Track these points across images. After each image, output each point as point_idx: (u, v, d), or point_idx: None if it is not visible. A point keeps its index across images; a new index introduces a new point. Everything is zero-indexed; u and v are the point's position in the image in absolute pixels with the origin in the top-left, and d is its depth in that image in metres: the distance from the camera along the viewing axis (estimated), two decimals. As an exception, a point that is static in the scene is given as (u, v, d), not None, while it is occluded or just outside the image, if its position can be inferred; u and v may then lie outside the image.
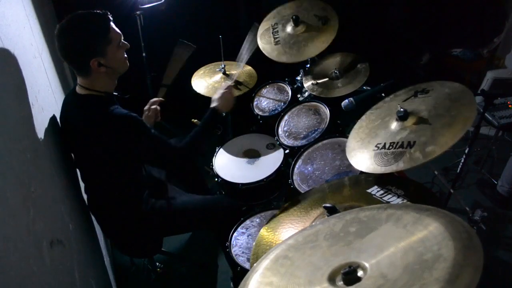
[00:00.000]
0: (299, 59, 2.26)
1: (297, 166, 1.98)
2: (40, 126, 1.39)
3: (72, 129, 1.60)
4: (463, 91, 1.37)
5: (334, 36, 2.22)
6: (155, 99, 2.09)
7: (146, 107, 2.05)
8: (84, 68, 1.52)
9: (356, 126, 1.61)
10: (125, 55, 1.62)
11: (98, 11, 1.50)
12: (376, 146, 1.42)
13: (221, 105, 1.85)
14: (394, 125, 1.43)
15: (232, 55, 2.50)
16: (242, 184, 2.01)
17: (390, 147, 1.36)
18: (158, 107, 2.07)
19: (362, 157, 1.44)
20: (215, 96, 1.88)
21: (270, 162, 2.10)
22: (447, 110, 1.33)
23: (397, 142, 1.35)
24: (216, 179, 2.14)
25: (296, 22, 2.32)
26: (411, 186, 1.39)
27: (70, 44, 1.48)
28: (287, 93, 2.47)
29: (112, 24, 1.53)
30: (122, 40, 1.58)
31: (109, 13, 1.53)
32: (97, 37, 1.49)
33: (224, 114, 1.84)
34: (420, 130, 1.33)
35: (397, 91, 1.61)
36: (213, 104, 1.85)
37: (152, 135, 1.61)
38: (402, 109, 1.39)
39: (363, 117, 1.62)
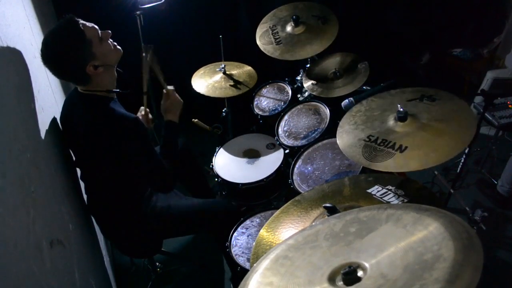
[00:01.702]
0: (303, 56, 2.26)
1: (297, 166, 1.98)
2: (40, 126, 1.39)
3: (73, 127, 1.60)
4: (469, 113, 1.36)
5: (336, 32, 2.23)
6: (142, 107, 2.09)
7: (138, 114, 2.05)
8: (83, 78, 1.52)
9: (354, 108, 1.61)
10: (112, 43, 1.58)
11: (63, 20, 1.46)
12: (368, 137, 1.42)
13: (170, 113, 1.79)
14: (391, 122, 1.43)
15: (232, 55, 2.51)
16: (242, 184, 2.02)
17: (381, 144, 1.37)
18: (149, 114, 2.07)
19: (349, 141, 1.46)
20: (161, 110, 1.83)
21: (270, 162, 2.10)
22: (447, 126, 1.33)
23: (389, 141, 1.36)
24: (216, 179, 2.14)
25: (296, 22, 2.32)
26: (411, 186, 1.39)
27: (59, 65, 1.48)
28: (287, 93, 2.47)
29: (82, 23, 1.47)
30: (100, 32, 1.52)
31: (73, 16, 1.47)
32: (78, 46, 1.45)
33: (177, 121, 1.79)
34: (415, 136, 1.34)
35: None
36: (165, 118, 1.80)
37: (150, 145, 1.60)
38: (402, 110, 1.39)
39: (364, 101, 1.62)
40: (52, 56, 1.46)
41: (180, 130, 1.80)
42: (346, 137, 1.49)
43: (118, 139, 1.53)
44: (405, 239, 0.77)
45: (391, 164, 1.29)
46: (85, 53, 1.47)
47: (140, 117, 2.03)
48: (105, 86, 1.58)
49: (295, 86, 2.55)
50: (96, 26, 1.52)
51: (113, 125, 1.53)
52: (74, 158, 1.70)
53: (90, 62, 1.48)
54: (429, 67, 3.50)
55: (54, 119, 1.62)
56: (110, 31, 1.56)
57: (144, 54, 2.15)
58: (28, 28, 1.65)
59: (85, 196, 1.81)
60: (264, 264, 0.91)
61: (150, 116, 2.08)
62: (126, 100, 1.73)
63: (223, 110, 2.58)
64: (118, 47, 1.61)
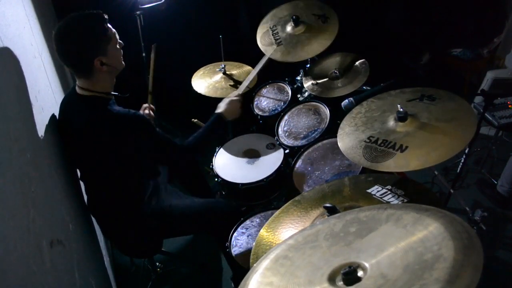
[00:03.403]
0: (304, 57, 2.26)
1: (297, 166, 1.98)
2: (40, 126, 1.39)
3: (73, 130, 1.60)
4: (469, 111, 1.36)
5: (337, 31, 2.22)
6: (146, 104, 2.12)
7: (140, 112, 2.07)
8: (87, 69, 1.52)
9: (354, 110, 1.61)
10: (121, 54, 1.63)
11: (92, 12, 1.50)
12: (369, 138, 1.43)
13: (227, 112, 1.88)
14: (392, 122, 1.43)
15: (232, 55, 2.50)
16: (242, 184, 2.01)
17: (382, 144, 1.37)
18: (152, 113, 2.10)
19: (350, 143, 1.46)
20: (222, 103, 1.90)
21: (270, 162, 2.10)
22: (447, 125, 1.33)
23: (390, 141, 1.36)
24: (216, 179, 2.13)
25: (296, 22, 2.32)
26: (411, 186, 1.39)
27: (73, 47, 1.48)
28: (287, 93, 2.47)
29: (108, 23, 1.54)
30: (118, 40, 1.59)
31: (103, 13, 1.53)
32: (98, 37, 1.49)
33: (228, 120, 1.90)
34: (416, 136, 1.34)
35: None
36: (218, 110, 1.87)
37: (157, 133, 1.64)
38: (402, 110, 1.39)
39: (364, 103, 1.62)
40: (70, 33, 1.46)
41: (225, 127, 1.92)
42: (347, 139, 1.49)
43: (122, 137, 1.54)
44: (405, 239, 0.77)
45: (392, 164, 1.29)
46: (100, 45, 1.50)
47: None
48: (104, 88, 1.59)
49: (295, 86, 2.54)
50: (117, 33, 1.58)
51: (114, 124, 1.53)
52: (73, 159, 1.70)
53: (100, 56, 1.50)
54: (429, 67, 3.50)
55: (54, 119, 1.62)
56: (123, 43, 1.62)
57: (153, 55, 2.17)
58: (28, 28, 1.65)
59: (85, 196, 1.81)
60: (264, 264, 0.91)
61: (152, 114, 2.09)
62: (125, 104, 1.74)
63: (223, 110, 2.58)
64: (123, 62, 1.65)
